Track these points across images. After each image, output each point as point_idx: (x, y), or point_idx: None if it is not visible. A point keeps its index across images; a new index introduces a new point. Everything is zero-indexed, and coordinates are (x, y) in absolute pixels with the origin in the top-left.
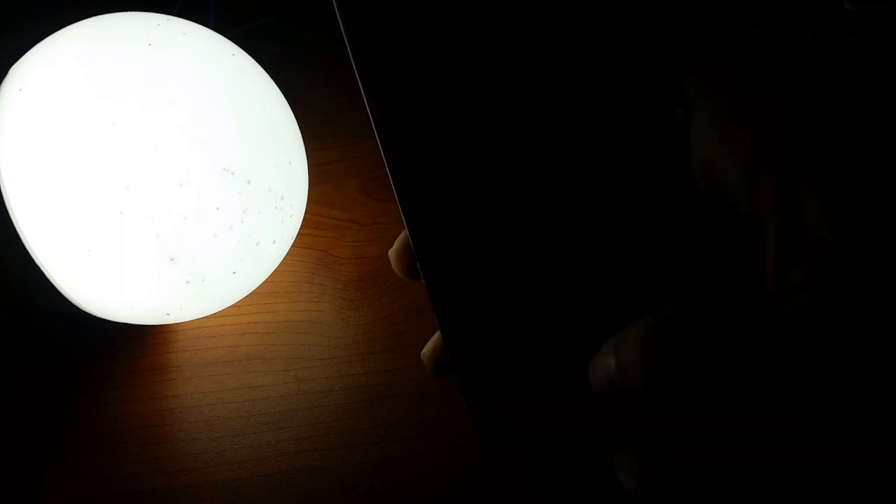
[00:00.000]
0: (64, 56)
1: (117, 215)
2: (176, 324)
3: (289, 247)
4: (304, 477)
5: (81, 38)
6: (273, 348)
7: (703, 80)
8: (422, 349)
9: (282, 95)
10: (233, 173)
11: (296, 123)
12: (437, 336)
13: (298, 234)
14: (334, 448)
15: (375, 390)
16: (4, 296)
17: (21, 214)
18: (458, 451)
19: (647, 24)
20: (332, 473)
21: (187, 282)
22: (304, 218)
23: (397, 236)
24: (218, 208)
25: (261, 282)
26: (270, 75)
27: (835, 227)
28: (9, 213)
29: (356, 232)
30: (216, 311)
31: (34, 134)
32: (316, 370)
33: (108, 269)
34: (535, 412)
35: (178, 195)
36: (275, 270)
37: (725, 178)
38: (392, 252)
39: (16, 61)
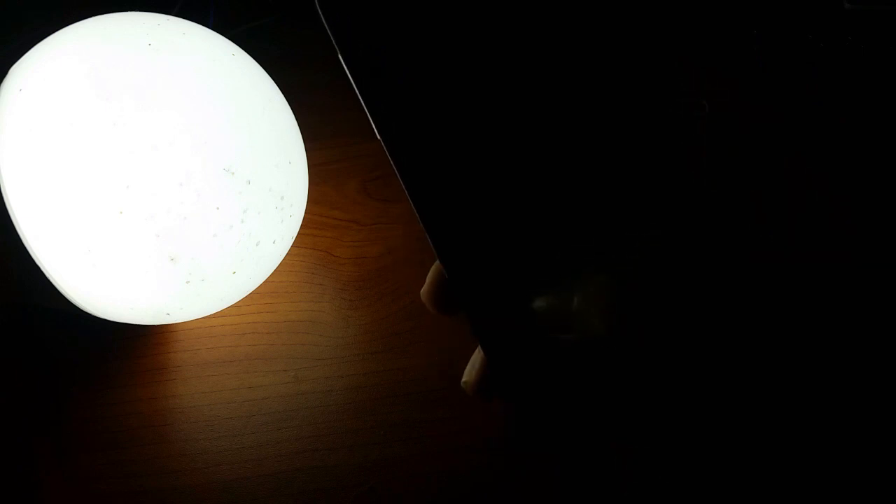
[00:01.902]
0: (64, 56)
1: (117, 215)
2: (176, 324)
3: (289, 247)
4: (304, 477)
5: (81, 38)
6: (273, 348)
7: (717, 71)
8: (422, 349)
9: (282, 95)
10: (233, 173)
11: (296, 123)
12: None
13: (298, 234)
14: (334, 448)
15: (376, 390)
16: (4, 296)
17: (21, 214)
18: (458, 451)
19: (647, 22)
20: (332, 473)
21: (187, 282)
22: (304, 218)
23: (397, 236)
24: (218, 208)
25: (261, 282)
26: (270, 75)
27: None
28: (9, 213)
29: (356, 232)
30: (216, 311)
31: (34, 134)
32: (316, 370)
33: (108, 269)
34: (545, 362)
35: (178, 195)
36: (275, 270)
37: (739, 161)
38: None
39: (16, 61)
